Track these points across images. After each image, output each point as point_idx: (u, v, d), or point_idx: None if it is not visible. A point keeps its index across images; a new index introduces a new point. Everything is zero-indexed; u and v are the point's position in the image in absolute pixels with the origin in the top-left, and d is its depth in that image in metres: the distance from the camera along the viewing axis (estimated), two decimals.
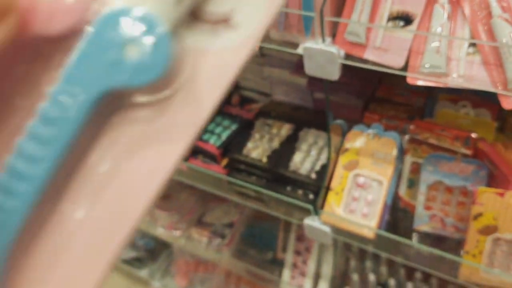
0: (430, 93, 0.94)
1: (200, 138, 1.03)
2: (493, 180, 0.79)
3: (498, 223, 0.73)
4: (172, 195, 1.38)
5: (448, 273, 0.84)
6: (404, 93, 0.98)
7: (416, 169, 0.87)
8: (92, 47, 0.17)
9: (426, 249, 0.81)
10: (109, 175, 0.21)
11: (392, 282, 1.10)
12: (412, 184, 0.89)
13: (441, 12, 0.63)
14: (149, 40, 0.17)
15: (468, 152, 0.80)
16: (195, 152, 1.03)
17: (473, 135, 0.80)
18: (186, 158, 1.05)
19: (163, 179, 0.21)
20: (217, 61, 0.21)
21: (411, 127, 0.85)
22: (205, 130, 1.02)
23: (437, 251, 0.80)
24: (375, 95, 0.99)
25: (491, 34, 0.61)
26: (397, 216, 0.92)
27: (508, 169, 0.76)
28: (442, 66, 0.63)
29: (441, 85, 0.64)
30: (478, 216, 0.74)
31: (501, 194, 0.71)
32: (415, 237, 0.88)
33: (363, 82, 0.98)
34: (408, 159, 0.86)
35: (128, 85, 0.17)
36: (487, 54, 0.61)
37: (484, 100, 0.86)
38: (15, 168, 0.19)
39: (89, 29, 0.17)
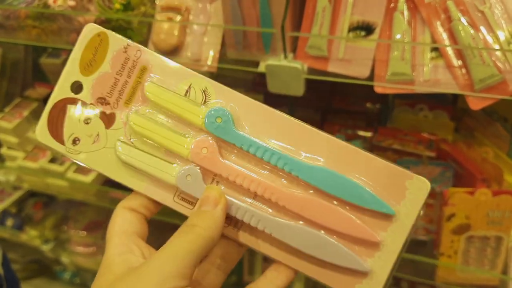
0: (384, 99, 0.95)
1: None
2: (459, 179, 0.80)
3: (470, 222, 0.74)
4: None
5: (424, 277, 0.84)
6: (359, 102, 0.98)
7: None
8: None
9: (404, 256, 0.81)
10: None
11: None
12: None
13: (401, 19, 0.63)
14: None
15: (432, 154, 0.81)
16: None
17: (435, 137, 0.81)
18: None
19: None
20: None
21: (373, 132, 0.85)
22: None
23: (414, 257, 0.80)
24: (331, 107, 0.99)
25: (452, 37, 0.61)
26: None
27: (473, 167, 0.77)
28: (408, 72, 0.63)
29: (409, 92, 0.63)
30: (451, 216, 0.74)
31: (471, 193, 0.72)
32: None
33: (318, 94, 0.98)
34: None
35: None
36: (450, 57, 0.62)
37: (439, 102, 0.88)
38: None
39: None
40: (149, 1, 0.75)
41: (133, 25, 0.73)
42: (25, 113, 1.07)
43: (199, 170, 0.35)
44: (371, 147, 0.87)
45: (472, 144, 0.80)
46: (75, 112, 0.36)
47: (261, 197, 0.35)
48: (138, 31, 0.73)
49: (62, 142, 0.37)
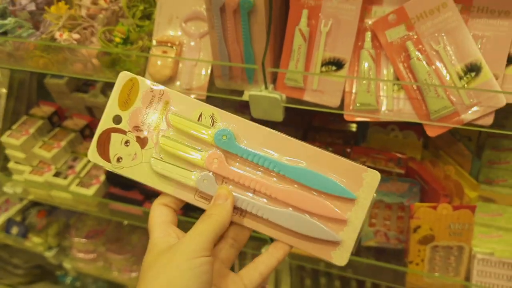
0: None
1: None
2: (425, 194, 0.89)
3: (434, 233, 0.83)
4: (123, 238, 1.38)
5: (395, 282, 0.93)
6: (337, 120, 1.07)
7: None
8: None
9: (376, 263, 0.89)
10: None
11: None
12: None
13: (367, 55, 0.71)
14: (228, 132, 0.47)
15: (402, 171, 0.89)
16: (150, 196, 1.05)
17: (404, 156, 0.90)
18: (141, 203, 1.08)
19: None
20: None
21: (350, 153, 0.94)
22: None
23: (386, 265, 0.88)
24: (311, 124, 1.07)
25: (412, 72, 0.70)
26: None
27: (437, 184, 0.86)
28: (373, 103, 0.71)
29: (374, 120, 0.72)
30: (417, 228, 0.83)
31: (434, 207, 0.81)
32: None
33: (300, 113, 1.06)
34: None
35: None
36: (410, 90, 0.70)
37: (409, 123, 0.96)
38: None
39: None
40: (147, 35, 0.84)
41: (131, 57, 0.81)
42: (31, 130, 1.16)
43: (212, 175, 0.47)
44: None
45: (437, 162, 0.89)
46: (117, 138, 0.48)
47: (259, 192, 0.47)
48: (136, 63, 0.81)
49: (108, 160, 0.48)
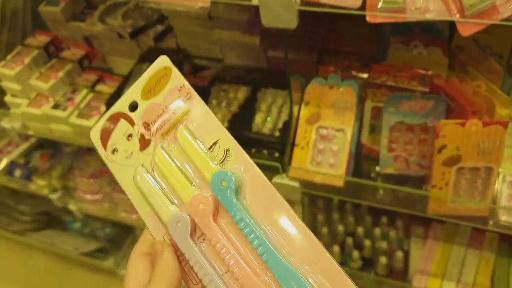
0: (380, 38, 0.96)
1: None
2: (451, 112, 0.81)
3: (461, 153, 0.76)
4: None
5: (416, 210, 0.87)
6: (355, 42, 0.98)
7: (376, 114, 0.88)
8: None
9: (396, 188, 0.83)
10: None
11: (360, 230, 1.13)
12: (374, 129, 0.90)
13: None
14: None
15: (426, 89, 0.82)
16: None
17: (428, 73, 0.82)
18: None
19: None
20: None
21: (369, 72, 0.86)
22: None
23: (407, 189, 0.83)
24: (327, 47, 0.99)
25: None
26: (361, 162, 0.94)
27: (465, 100, 0.79)
28: (399, 0, 0.63)
29: (400, 20, 0.64)
30: (442, 148, 0.76)
31: (462, 124, 0.74)
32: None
33: (314, 35, 0.98)
34: (369, 105, 0.88)
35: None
36: None
37: (434, 38, 0.88)
38: None
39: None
40: None
41: None
42: (27, 60, 1.09)
43: (189, 221, 0.37)
44: (366, 85, 0.88)
45: (465, 78, 0.81)
46: (123, 127, 0.41)
47: (232, 274, 0.36)
48: None
49: (105, 147, 0.41)
